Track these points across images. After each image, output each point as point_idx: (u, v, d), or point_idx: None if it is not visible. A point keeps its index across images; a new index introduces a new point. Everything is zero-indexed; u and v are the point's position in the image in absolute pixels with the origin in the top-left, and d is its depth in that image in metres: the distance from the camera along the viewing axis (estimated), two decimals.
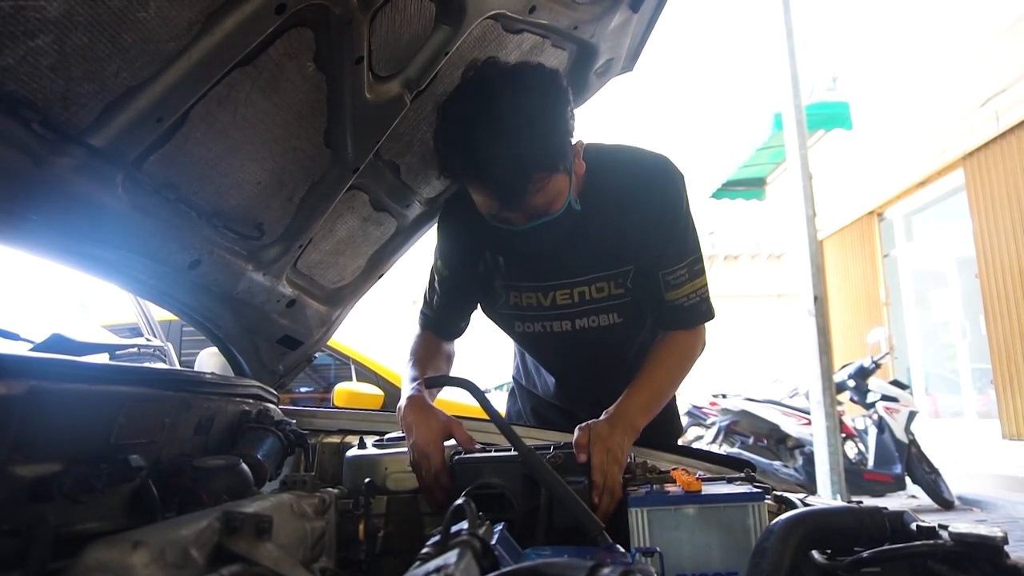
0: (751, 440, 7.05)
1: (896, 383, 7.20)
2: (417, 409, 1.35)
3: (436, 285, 1.65)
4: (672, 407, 1.86)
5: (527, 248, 1.41)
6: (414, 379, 1.48)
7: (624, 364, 1.62)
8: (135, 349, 2.19)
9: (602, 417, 1.33)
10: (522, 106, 1.23)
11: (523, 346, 1.79)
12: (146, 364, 2.10)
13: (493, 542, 0.73)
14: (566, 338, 1.57)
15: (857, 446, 7.07)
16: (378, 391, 4.63)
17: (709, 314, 1.54)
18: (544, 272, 1.53)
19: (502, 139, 1.21)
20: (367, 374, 5.20)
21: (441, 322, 1.68)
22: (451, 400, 4.19)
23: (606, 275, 1.51)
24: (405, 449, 1.32)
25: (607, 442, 1.23)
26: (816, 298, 5.25)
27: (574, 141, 1.35)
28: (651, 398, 1.43)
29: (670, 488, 1.08)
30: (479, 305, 1.68)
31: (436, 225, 1.65)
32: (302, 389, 5.74)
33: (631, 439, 1.31)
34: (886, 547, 0.78)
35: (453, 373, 1.62)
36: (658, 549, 0.89)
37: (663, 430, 1.77)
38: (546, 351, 1.71)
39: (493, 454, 1.19)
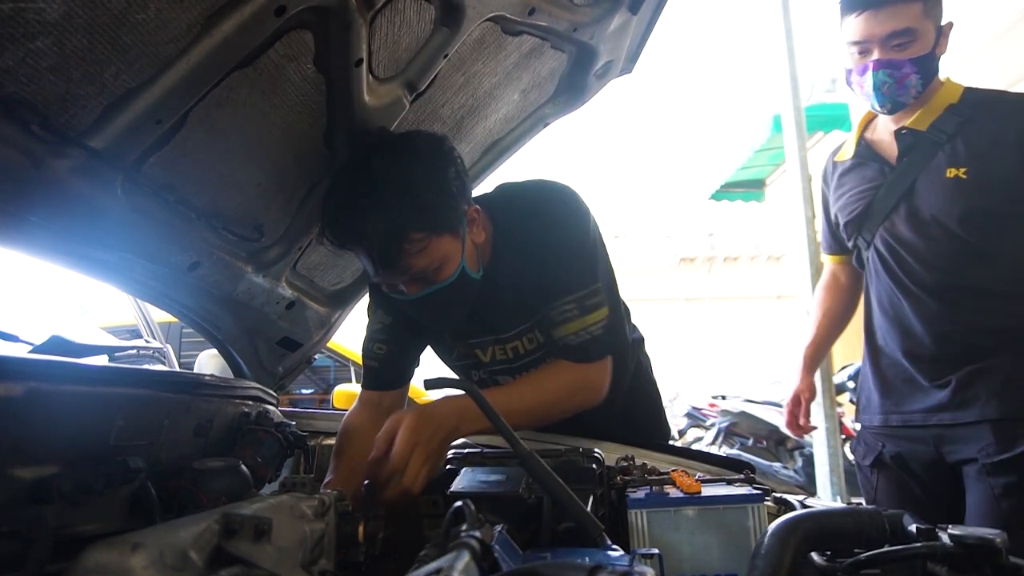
0: (750, 441, 7.05)
1: None
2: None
3: (380, 336, 1.53)
4: (660, 411, 1.84)
5: (428, 322, 1.37)
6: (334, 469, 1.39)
7: None
8: (134, 351, 2.19)
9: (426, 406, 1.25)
10: (400, 168, 1.23)
11: None
12: (145, 366, 2.10)
13: (493, 544, 0.73)
14: None
15: None
16: None
17: (598, 354, 1.40)
18: (476, 329, 1.51)
19: (376, 199, 1.20)
20: None
21: (390, 372, 1.53)
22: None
23: (531, 325, 1.49)
24: None
25: (416, 434, 1.15)
26: None
27: (467, 208, 1.32)
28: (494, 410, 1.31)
29: (669, 490, 1.08)
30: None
31: (369, 283, 1.59)
32: (302, 391, 5.74)
33: (445, 436, 1.21)
34: (885, 549, 0.78)
35: None
36: (657, 551, 0.88)
37: (652, 433, 1.75)
38: None
39: (487, 488, 1.11)
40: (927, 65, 1.73)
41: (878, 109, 1.82)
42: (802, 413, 2.10)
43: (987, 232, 1.65)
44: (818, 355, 2.20)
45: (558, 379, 1.39)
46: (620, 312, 1.50)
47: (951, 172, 1.67)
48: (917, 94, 1.75)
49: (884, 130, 1.88)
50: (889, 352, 1.80)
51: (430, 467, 1.18)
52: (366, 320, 1.57)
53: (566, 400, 1.40)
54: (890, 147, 1.84)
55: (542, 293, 1.41)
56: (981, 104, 1.74)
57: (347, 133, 1.32)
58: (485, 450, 1.34)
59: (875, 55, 1.73)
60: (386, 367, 1.51)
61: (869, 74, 1.75)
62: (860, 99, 1.84)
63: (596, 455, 1.21)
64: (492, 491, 1.09)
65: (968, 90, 1.78)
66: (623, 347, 1.48)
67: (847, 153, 1.96)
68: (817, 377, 5.60)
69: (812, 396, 2.10)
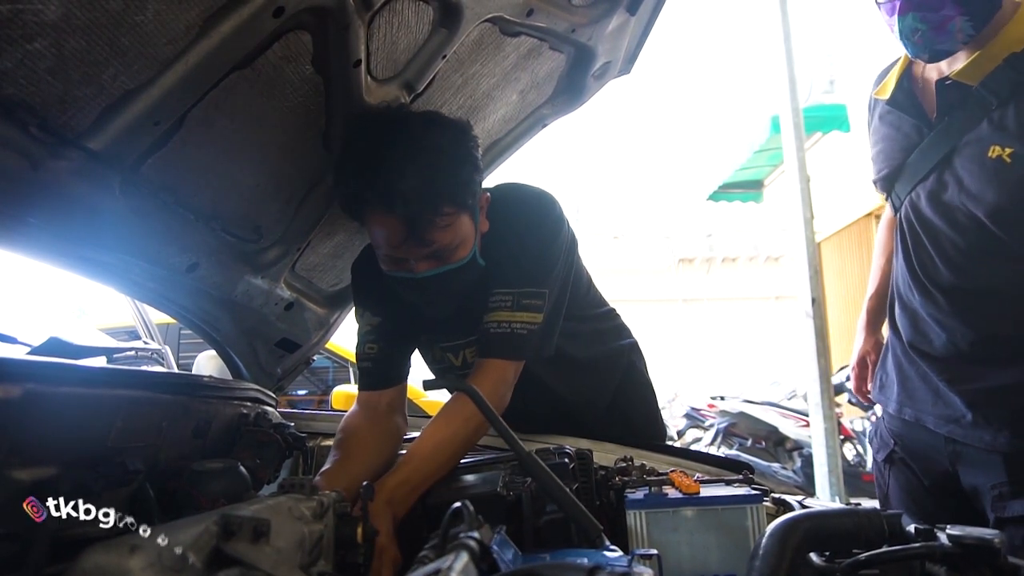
0: (749, 442, 7.05)
1: None
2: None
3: (370, 336, 1.49)
4: (655, 412, 1.84)
5: (428, 306, 1.36)
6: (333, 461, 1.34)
7: (548, 388, 1.56)
8: (133, 352, 2.18)
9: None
10: (433, 139, 1.23)
11: None
12: (143, 367, 2.09)
13: (492, 544, 0.73)
14: None
15: (855, 448, 7.07)
16: None
17: (512, 351, 1.35)
18: (453, 329, 1.50)
19: (415, 163, 1.20)
20: None
21: (384, 370, 1.49)
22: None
23: None
24: (404, 451, 1.32)
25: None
26: (814, 300, 5.25)
27: (480, 194, 1.33)
28: (415, 478, 1.21)
29: (668, 490, 1.08)
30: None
31: (352, 287, 1.59)
32: (300, 392, 5.73)
33: (387, 518, 1.13)
34: (884, 549, 0.78)
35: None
36: (655, 551, 0.88)
37: (647, 434, 1.75)
38: None
39: (465, 490, 1.09)
40: (980, 1, 1.28)
41: (914, 58, 1.42)
42: (869, 377, 1.82)
43: (1022, 230, 1.33)
44: (883, 307, 1.82)
45: (471, 410, 1.25)
46: (554, 327, 1.46)
47: (994, 151, 1.31)
48: (967, 38, 1.32)
49: (933, 68, 1.46)
50: (902, 341, 1.58)
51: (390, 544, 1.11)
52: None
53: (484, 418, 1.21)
54: (933, 97, 1.44)
55: (498, 284, 1.39)
56: None
57: (346, 130, 1.32)
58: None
59: None
60: (379, 366, 1.50)
61: (896, 19, 1.34)
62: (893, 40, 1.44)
63: (567, 451, 1.21)
64: (471, 492, 1.09)
65: None
66: (541, 356, 1.43)
67: (886, 91, 1.56)
68: (815, 378, 5.56)
69: (878, 358, 1.78)
